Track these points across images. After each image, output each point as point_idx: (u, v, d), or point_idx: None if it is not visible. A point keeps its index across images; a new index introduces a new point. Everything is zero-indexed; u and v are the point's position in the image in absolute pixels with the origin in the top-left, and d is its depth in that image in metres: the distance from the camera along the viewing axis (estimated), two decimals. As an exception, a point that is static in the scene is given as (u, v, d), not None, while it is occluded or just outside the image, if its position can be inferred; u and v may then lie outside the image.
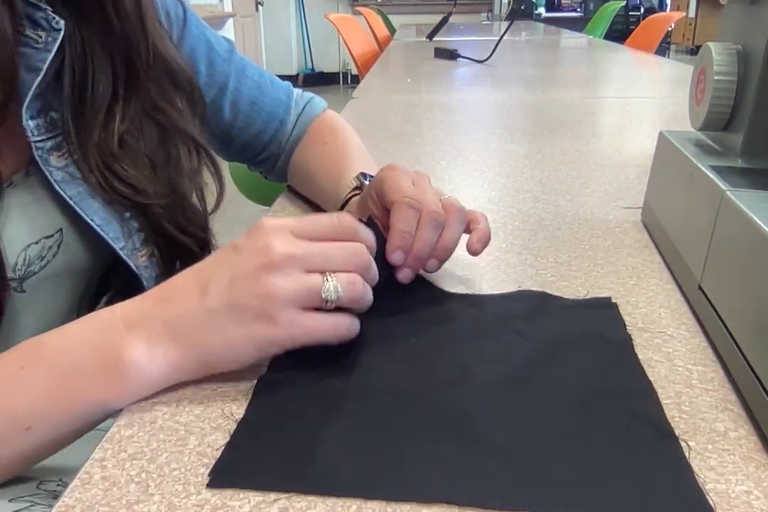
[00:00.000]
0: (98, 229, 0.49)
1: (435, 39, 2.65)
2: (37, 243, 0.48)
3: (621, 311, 0.44)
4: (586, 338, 0.41)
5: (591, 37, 3.22)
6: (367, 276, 0.38)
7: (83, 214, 0.48)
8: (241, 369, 0.38)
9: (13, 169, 0.46)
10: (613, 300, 0.46)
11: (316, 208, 0.67)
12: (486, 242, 0.47)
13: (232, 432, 0.33)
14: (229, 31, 5.05)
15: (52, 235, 0.49)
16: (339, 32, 3.22)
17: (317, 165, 0.67)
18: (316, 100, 0.74)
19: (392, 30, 4.28)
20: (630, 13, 6.19)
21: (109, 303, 0.38)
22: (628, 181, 0.74)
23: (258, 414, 0.34)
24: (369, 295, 0.38)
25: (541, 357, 0.38)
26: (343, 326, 0.37)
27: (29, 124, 0.45)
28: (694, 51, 7.44)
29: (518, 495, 0.28)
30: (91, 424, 0.36)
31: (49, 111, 0.47)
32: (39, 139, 0.46)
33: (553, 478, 0.29)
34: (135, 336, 0.35)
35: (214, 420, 0.34)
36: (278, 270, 0.34)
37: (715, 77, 0.47)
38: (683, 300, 0.46)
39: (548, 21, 5.17)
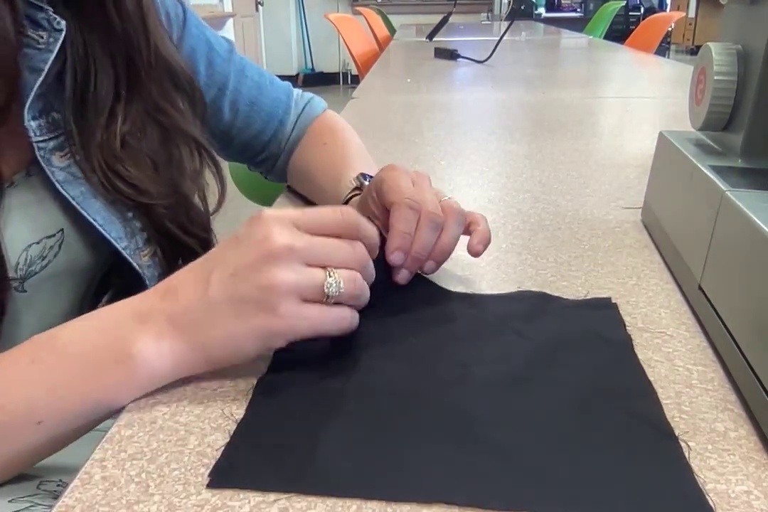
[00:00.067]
0: (101, 229, 0.49)
1: (435, 39, 2.65)
2: (38, 243, 0.48)
3: (621, 311, 0.44)
4: (586, 338, 0.41)
5: (591, 37, 3.22)
6: (364, 274, 0.38)
7: (85, 214, 0.48)
8: (241, 369, 0.38)
9: (14, 169, 0.46)
10: (613, 301, 0.46)
11: (316, 208, 0.66)
12: (486, 243, 0.47)
13: (232, 432, 0.33)
14: (229, 31, 5.05)
15: (53, 235, 0.49)
16: (339, 32, 3.22)
17: (317, 165, 0.67)
18: (316, 101, 0.74)
19: (392, 30, 4.28)
20: (630, 13, 6.19)
21: (110, 302, 0.38)
22: (628, 181, 0.74)
23: (258, 414, 0.34)
24: (367, 293, 0.38)
25: (541, 358, 0.38)
26: (346, 319, 0.37)
27: (31, 125, 0.45)
28: (694, 51, 7.44)
29: (518, 495, 0.28)
30: (96, 420, 0.36)
31: (51, 111, 0.47)
32: (41, 139, 0.46)
33: (553, 478, 0.29)
34: (143, 330, 0.35)
35: (214, 420, 0.34)
36: (279, 261, 0.34)
37: (715, 77, 0.47)
38: (683, 300, 0.46)
39: (548, 21, 5.17)
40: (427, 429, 0.32)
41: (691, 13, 7.42)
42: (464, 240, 0.47)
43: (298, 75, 6.65)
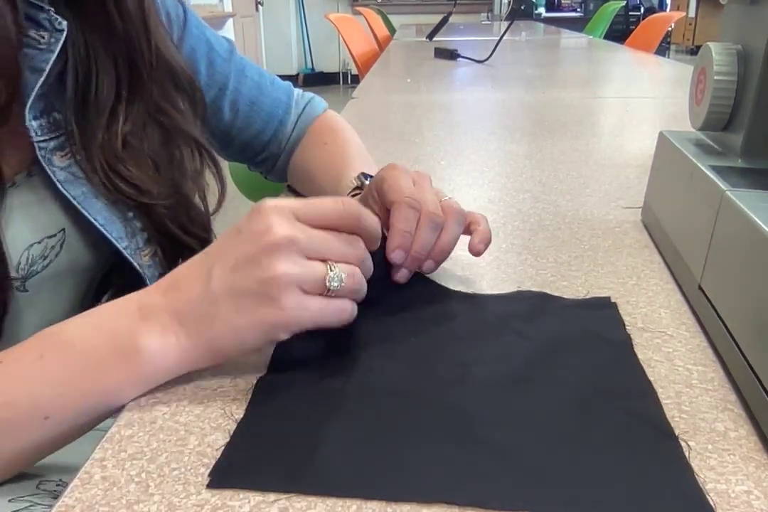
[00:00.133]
0: (102, 229, 0.49)
1: (435, 39, 2.65)
2: (39, 242, 0.48)
3: (621, 311, 0.44)
4: (585, 338, 0.41)
5: (591, 37, 3.22)
6: (362, 269, 0.38)
7: (86, 214, 0.48)
8: (241, 369, 0.38)
9: (15, 170, 0.46)
10: (613, 300, 0.46)
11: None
12: (487, 243, 0.47)
13: (232, 432, 0.33)
14: (229, 31, 5.05)
15: (54, 235, 0.49)
16: (339, 32, 3.22)
17: (317, 165, 0.67)
18: (317, 101, 0.74)
19: (392, 30, 4.28)
20: (630, 13, 6.19)
21: (110, 301, 0.38)
22: (628, 181, 0.74)
23: (258, 414, 0.34)
24: (365, 288, 0.38)
25: (541, 357, 0.38)
26: (346, 311, 0.37)
27: (32, 125, 0.45)
28: (694, 51, 7.44)
29: (518, 495, 0.28)
30: (102, 416, 0.36)
31: (52, 111, 0.47)
32: (42, 139, 0.46)
33: (553, 478, 0.29)
34: (148, 326, 0.35)
35: (214, 420, 0.34)
36: (279, 252, 0.34)
37: (715, 77, 0.47)
38: (683, 300, 0.46)
39: (548, 21, 5.17)
40: (427, 429, 0.32)
41: (691, 13, 7.42)
42: (464, 240, 0.47)
43: (298, 75, 6.65)
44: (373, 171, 0.56)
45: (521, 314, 0.43)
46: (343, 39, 3.22)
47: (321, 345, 0.40)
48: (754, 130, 0.45)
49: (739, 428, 0.33)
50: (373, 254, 0.39)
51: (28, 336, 0.36)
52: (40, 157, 0.46)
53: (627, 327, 0.42)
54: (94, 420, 0.36)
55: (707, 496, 0.28)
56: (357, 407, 0.34)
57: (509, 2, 5.06)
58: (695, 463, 0.31)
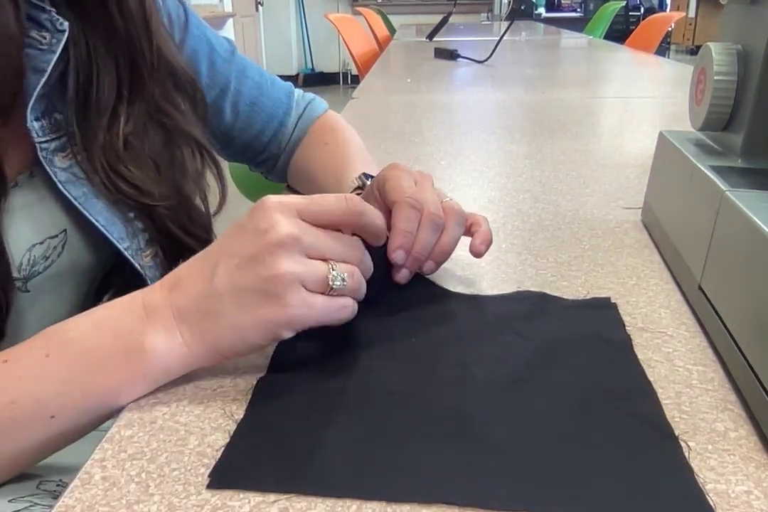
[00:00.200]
0: (103, 230, 0.49)
1: (435, 39, 2.65)
2: (41, 243, 0.48)
3: (621, 311, 0.44)
4: (585, 338, 0.41)
5: (591, 37, 3.22)
6: (361, 269, 0.38)
7: (87, 215, 0.48)
8: (241, 369, 0.38)
9: (17, 170, 0.46)
10: (613, 300, 0.46)
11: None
12: (489, 244, 0.47)
13: (232, 432, 0.33)
14: (229, 31, 5.05)
15: (56, 236, 0.49)
16: (339, 32, 3.22)
17: (318, 165, 0.67)
18: (318, 101, 0.74)
19: (392, 30, 4.28)
20: (630, 13, 6.19)
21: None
22: (628, 181, 0.74)
23: (258, 414, 0.34)
24: (364, 287, 0.38)
25: (541, 358, 0.38)
26: (348, 308, 0.37)
27: (34, 125, 0.45)
28: (694, 51, 7.44)
29: (518, 495, 0.28)
30: (107, 415, 0.36)
31: (53, 112, 0.47)
32: (43, 140, 0.46)
33: (553, 478, 0.29)
34: (154, 324, 0.35)
35: (214, 420, 0.34)
36: (283, 250, 0.34)
37: (715, 77, 0.47)
38: (683, 300, 0.46)
39: (548, 21, 5.17)
40: (427, 430, 0.32)
41: (691, 13, 7.42)
42: (464, 240, 0.47)
43: (298, 75, 6.65)
44: (374, 171, 0.56)
45: (521, 314, 0.43)
46: (343, 39, 3.22)
47: (321, 346, 0.40)
48: (754, 130, 0.45)
49: (739, 428, 0.33)
50: (373, 254, 0.39)
51: (30, 336, 0.36)
52: (41, 158, 0.46)
53: (627, 327, 0.42)
54: (98, 420, 0.36)
55: (707, 496, 0.28)
56: (357, 407, 0.34)
57: (509, 2, 5.06)
58: (695, 463, 0.30)
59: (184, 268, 0.37)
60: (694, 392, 0.36)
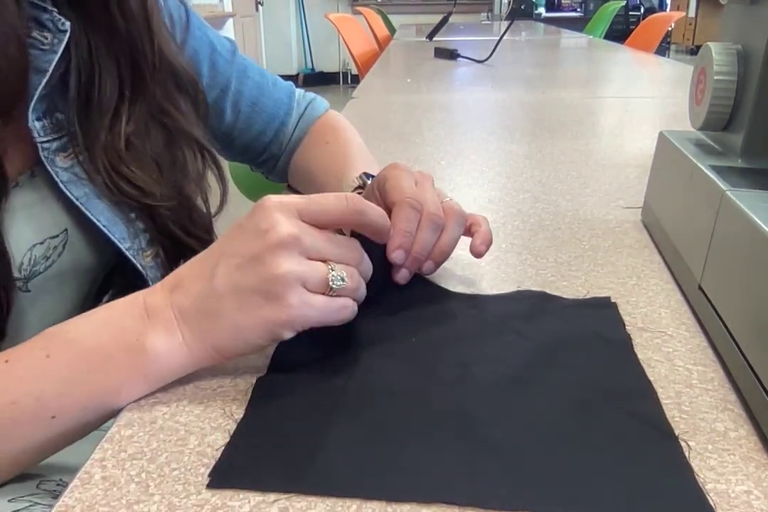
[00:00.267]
0: (104, 230, 0.49)
1: (435, 39, 2.65)
2: (42, 243, 0.48)
3: (621, 311, 0.44)
4: (585, 338, 0.41)
5: (591, 37, 3.22)
6: (360, 270, 0.38)
7: (89, 215, 0.48)
8: (241, 369, 0.38)
9: (18, 170, 0.46)
10: (613, 300, 0.46)
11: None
12: (489, 244, 0.47)
13: (232, 432, 0.33)
14: (229, 31, 5.05)
15: (57, 236, 0.49)
16: (339, 32, 3.22)
17: (318, 164, 0.67)
18: (318, 101, 0.74)
19: (392, 30, 4.28)
20: (630, 13, 6.19)
21: (110, 301, 0.38)
22: (628, 181, 0.74)
23: (258, 413, 0.34)
24: (363, 288, 0.38)
25: (540, 357, 0.38)
26: (348, 308, 0.37)
27: (35, 125, 0.45)
28: (694, 51, 7.44)
29: (518, 495, 0.28)
30: (107, 416, 0.36)
31: (55, 112, 0.47)
32: (45, 139, 0.46)
33: (553, 478, 0.29)
34: (155, 324, 0.35)
35: (214, 420, 0.34)
36: (283, 250, 0.34)
37: (715, 77, 0.47)
38: (683, 300, 0.46)
39: (548, 21, 5.17)
40: (427, 429, 0.32)
41: (691, 13, 7.42)
42: (464, 240, 0.47)
43: (298, 75, 6.65)
44: (374, 171, 0.56)
45: (521, 314, 0.43)
46: (343, 39, 3.22)
47: (321, 346, 0.40)
48: (754, 130, 0.45)
49: (739, 428, 0.33)
50: (372, 254, 0.39)
51: (31, 336, 0.36)
52: (42, 158, 0.46)
53: (627, 327, 0.42)
54: (99, 420, 0.36)
55: (707, 496, 0.28)
56: (357, 407, 0.34)
57: (509, 2, 5.06)
58: (695, 463, 0.31)
59: (184, 269, 0.37)
60: (694, 392, 0.36)
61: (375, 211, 0.38)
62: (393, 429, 0.33)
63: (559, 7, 6.82)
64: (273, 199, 0.36)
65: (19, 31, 0.41)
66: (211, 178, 0.59)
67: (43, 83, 0.44)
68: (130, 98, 0.50)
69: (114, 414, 0.36)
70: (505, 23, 3.09)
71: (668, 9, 7.35)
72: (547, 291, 0.47)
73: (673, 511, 0.28)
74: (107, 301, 0.56)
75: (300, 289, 0.34)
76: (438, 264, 0.46)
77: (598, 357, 0.39)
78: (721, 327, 0.38)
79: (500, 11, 5.88)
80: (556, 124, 1.06)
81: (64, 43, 0.44)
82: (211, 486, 0.30)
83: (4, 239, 0.43)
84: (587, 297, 0.46)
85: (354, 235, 0.40)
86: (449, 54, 1.98)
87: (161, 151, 0.53)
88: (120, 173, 0.49)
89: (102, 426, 0.36)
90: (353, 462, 0.30)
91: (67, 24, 0.44)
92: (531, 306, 0.45)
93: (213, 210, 0.59)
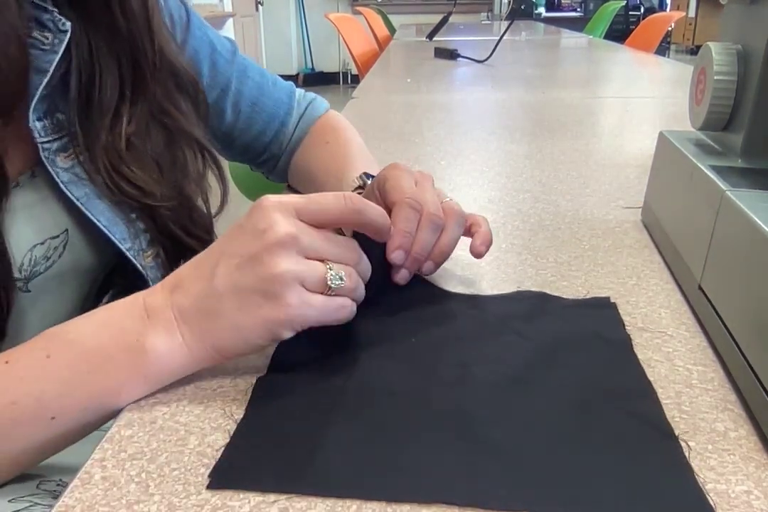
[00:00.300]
0: (105, 230, 0.49)
1: (435, 39, 2.65)
2: (42, 243, 0.48)
3: (621, 311, 0.44)
4: (585, 338, 0.41)
5: (591, 37, 3.22)
6: (359, 270, 0.38)
7: (89, 215, 0.48)
8: (241, 369, 0.38)
9: (19, 170, 0.46)
10: (613, 300, 0.46)
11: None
12: (489, 245, 0.47)
13: (232, 432, 0.33)
14: (229, 30, 5.05)
15: (57, 236, 0.49)
16: (339, 32, 3.22)
17: (318, 164, 0.67)
18: (319, 101, 0.74)
19: (392, 30, 4.28)
20: (630, 13, 6.19)
21: (110, 301, 0.38)
22: (628, 181, 0.74)
23: (258, 414, 0.34)
24: (362, 288, 0.38)
25: (540, 358, 0.38)
26: (347, 308, 0.37)
27: (36, 125, 0.45)
28: (694, 51, 7.44)
29: (518, 495, 0.28)
30: (107, 416, 0.36)
31: (56, 112, 0.47)
32: (45, 140, 0.46)
33: (553, 478, 0.29)
34: (155, 325, 0.35)
35: (214, 420, 0.34)
36: (281, 250, 0.34)
37: (715, 77, 0.47)
38: (683, 300, 0.46)
39: (548, 21, 5.17)
40: (427, 429, 0.32)
41: (691, 13, 7.41)
42: (464, 240, 0.47)
43: (298, 75, 6.65)
44: (375, 171, 0.56)
45: (521, 314, 0.43)
46: (343, 39, 3.22)
47: (321, 346, 0.40)
48: (754, 130, 0.45)
49: (739, 428, 0.33)
50: (372, 255, 0.39)
51: (31, 336, 0.36)
52: (43, 158, 0.46)
53: (627, 327, 0.42)
54: (99, 421, 0.36)
55: (707, 496, 0.28)
56: (356, 407, 0.34)
57: (509, 2, 5.07)
58: (695, 463, 0.31)
59: (184, 269, 0.38)
60: (694, 392, 0.36)
61: (374, 210, 0.38)
62: (393, 430, 0.33)
63: (559, 7, 6.82)
64: (271, 199, 0.36)
65: (19, 31, 0.41)
66: (212, 178, 0.59)
67: (43, 83, 0.44)
68: (131, 98, 0.50)
69: (114, 414, 0.36)
70: (505, 23, 3.09)
71: (668, 9, 7.35)
72: (547, 291, 0.47)
73: (673, 511, 0.28)
74: (107, 302, 0.57)
75: (298, 288, 0.34)
76: (438, 265, 0.45)
77: (598, 357, 0.39)
78: (721, 327, 0.38)
79: (500, 11, 5.88)
80: (556, 124, 1.06)
81: (65, 43, 0.44)
82: (211, 486, 0.30)
83: (4, 239, 0.43)
84: (587, 297, 0.46)
85: (354, 235, 0.40)
86: (449, 54, 1.98)
87: (162, 151, 0.53)
88: (120, 173, 0.49)
89: (102, 426, 0.36)
90: (353, 462, 0.30)
91: (68, 24, 0.44)
92: (531, 306, 0.45)
93: (213, 210, 0.59)
